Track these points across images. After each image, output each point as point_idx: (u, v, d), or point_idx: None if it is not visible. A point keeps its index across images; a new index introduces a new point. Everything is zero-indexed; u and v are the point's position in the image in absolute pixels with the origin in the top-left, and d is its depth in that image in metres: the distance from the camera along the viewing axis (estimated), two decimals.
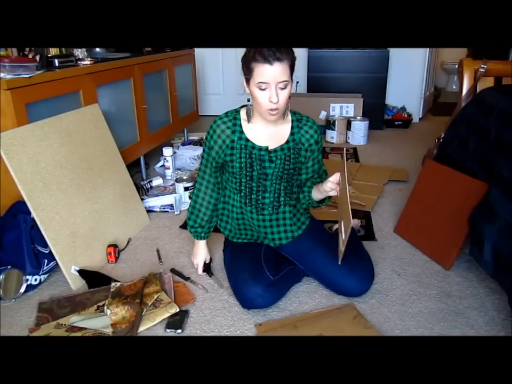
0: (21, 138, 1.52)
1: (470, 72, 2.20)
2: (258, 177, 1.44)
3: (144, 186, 2.39)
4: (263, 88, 1.25)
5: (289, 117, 1.43)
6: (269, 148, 1.41)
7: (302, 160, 1.46)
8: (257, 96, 1.27)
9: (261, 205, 1.49)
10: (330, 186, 1.34)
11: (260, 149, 1.41)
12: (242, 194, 1.48)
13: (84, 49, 2.16)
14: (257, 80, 1.24)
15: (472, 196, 1.55)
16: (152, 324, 1.36)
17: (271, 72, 1.22)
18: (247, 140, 1.40)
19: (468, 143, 1.72)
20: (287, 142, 1.43)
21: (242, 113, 1.42)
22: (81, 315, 1.39)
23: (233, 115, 1.42)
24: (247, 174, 1.44)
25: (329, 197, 1.50)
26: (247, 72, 1.27)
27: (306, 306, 1.46)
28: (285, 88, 1.26)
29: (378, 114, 3.80)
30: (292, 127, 1.43)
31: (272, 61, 1.21)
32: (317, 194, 1.46)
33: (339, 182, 1.34)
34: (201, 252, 1.64)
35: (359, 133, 3.42)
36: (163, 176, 2.66)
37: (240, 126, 1.41)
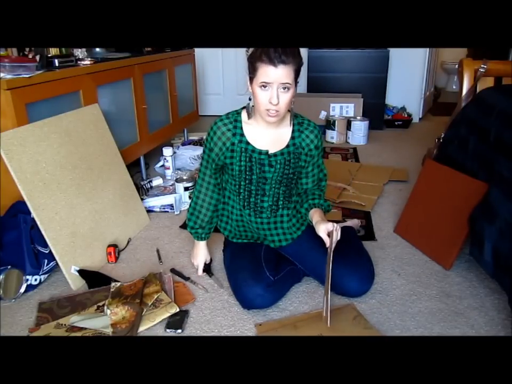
0: (21, 138, 1.52)
1: (470, 72, 2.20)
2: (258, 181, 1.44)
3: (144, 186, 2.39)
4: (264, 88, 1.25)
5: (290, 121, 1.42)
6: (269, 152, 1.41)
7: (302, 164, 1.46)
8: (258, 95, 1.27)
9: (259, 208, 1.49)
10: (322, 235, 1.36)
11: (260, 152, 1.40)
12: (241, 197, 1.48)
13: (83, 49, 2.16)
14: (260, 80, 1.24)
15: (472, 196, 1.55)
16: (152, 324, 1.36)
17: (274, 74, 1.22)
18: (247, 143, 1.40)
19: (468, 143, 1.72)
20: (287, 146, 1.42)
21: (244, 115, 1.41)
22: (81, 315, 1.39)
23: (234, 117, 1.41)
24: (246, 177, 1.43)
25: (328, 210, 1.52)
26: (252, 70, 1.27)
27: (306, 306, 1.46)
28: (286, 91, 1.26)
29: (378, 114, 3.79)
30: (293, 131, 1.42)
31: (277, 63, 1.21)
32: (312, 220, 1.46)
33: (329, 234, 1.35)
34: (201, 253, 1.64)
35: (359, 133, 3.42)
36: (163, 176, 2.65)
37: (241, 128, 1.40)
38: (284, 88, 1.24)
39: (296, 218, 1.56)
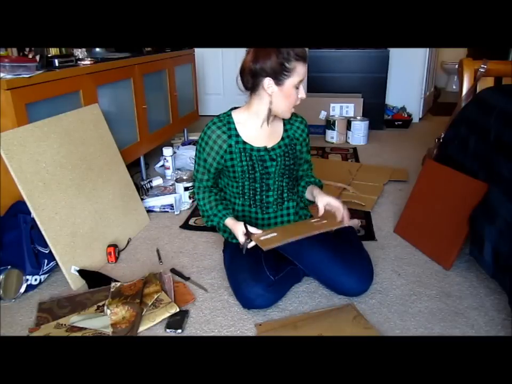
0: (21, 138, 1.52)
1: (470, 72, 2.20)
2: (261, 178, 1.46)
3: (144, 186, 2.39)
4: (298, 86, 1.33)
5: None
6: (267, 147, 1.44)
7: (298, 154, 1.52)
8: (292, 95, 1.34)
9: (265, 204, 1.51)
10: (320, 206, 1.41)
11: (259, 150, 1.43)
12: (246, 197, 1.49)
13: (83, 49, 2.16)
14: (299, 78, 1.32)
15: (472, 196, 1.55)
16: (152, 324, 1.36)
17: (305, 70, 1.33)
18: (244, 143, 1.41)
19: (468, 143, 1.72)
20: (282, 139, 1.48)
21: (235, 115, 1.43)
22: (81, 315, 1.39)
23: (226, 119, 1.42)
24: (250, 176, 1.44)
25: (321, 186, 1.58)
26: (284, 72, 1.30)
27: (306, 306, 1.46)
28: None
29: (378, 114, 3.79)
30: (284, 124, 1.49)
31: (307, 60, 1.32)
32: (309, 197, 1.53)
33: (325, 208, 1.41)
34: (238, 227, 1.40)
35: (359, 133, 3.42)
36: (163, 176, 2.65)
37: (235, 129, 1.41)
38: None
39: (299, 206, 1.59)
